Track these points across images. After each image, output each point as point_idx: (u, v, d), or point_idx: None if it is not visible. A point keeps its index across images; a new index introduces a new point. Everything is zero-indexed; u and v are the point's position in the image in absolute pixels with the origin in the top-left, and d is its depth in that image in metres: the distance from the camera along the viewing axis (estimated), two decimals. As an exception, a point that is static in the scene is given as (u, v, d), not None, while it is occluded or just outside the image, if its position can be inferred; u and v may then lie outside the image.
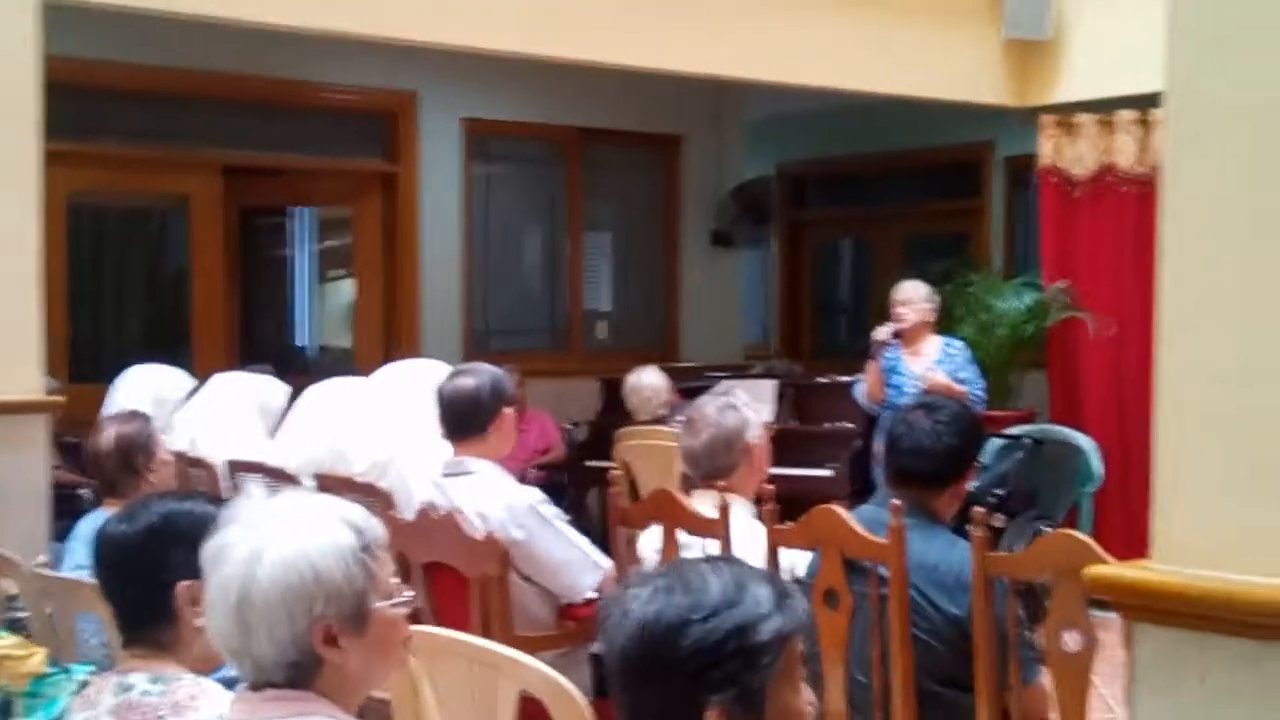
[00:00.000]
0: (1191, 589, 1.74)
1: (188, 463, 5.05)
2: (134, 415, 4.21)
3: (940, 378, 6.33)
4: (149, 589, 2.33)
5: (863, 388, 6.61)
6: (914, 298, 6.53)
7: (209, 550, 1.90)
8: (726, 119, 9.79)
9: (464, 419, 3.96)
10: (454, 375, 4.05)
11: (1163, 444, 1.82)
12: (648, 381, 7.30)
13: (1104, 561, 2.34)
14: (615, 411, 7.65)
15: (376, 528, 1.96)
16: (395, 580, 1.99)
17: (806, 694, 1.75)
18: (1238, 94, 1.80)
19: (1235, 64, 1.80)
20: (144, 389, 5.73)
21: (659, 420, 7.01)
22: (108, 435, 4.03)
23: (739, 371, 8.37)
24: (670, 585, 1.69)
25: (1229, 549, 1.74)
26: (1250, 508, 1.74)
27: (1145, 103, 6.87)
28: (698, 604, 1.67)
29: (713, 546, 3.45)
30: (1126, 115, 7.25)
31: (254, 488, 1.89)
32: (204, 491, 2.98)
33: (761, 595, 1.69)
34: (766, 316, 11.40)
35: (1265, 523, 1.73)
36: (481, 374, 4.01)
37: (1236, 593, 1.70)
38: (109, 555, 2.44)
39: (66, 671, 2.66)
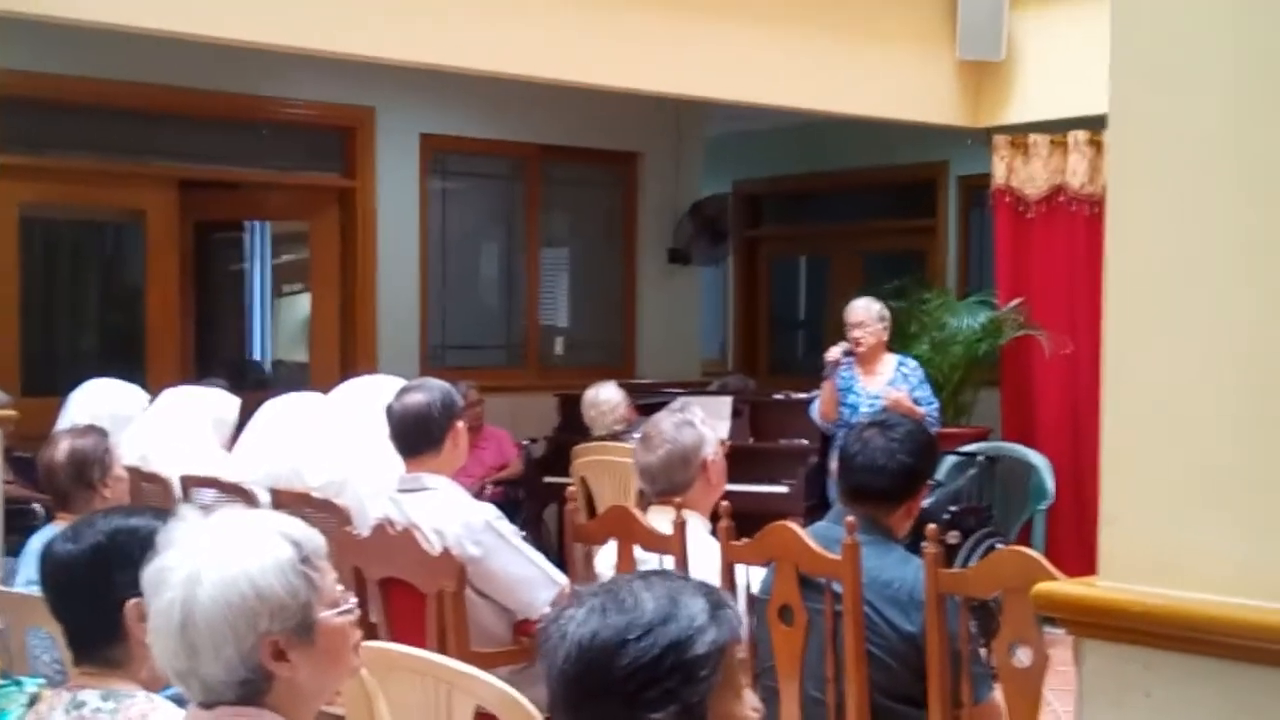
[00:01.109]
0: (1135, 605, 1.76)
1: (141, 478, 5.02)
2: (89, 429, 4.19)
3: (902, 397, 6.37)
4: (97, 607, 2.32)
5: (818, 407, 6.65)
6: (866, 319, 6.56)
7: (148, 575, 1.91)
8: (684, 137, 9.84)
9: (417, 435, 3.95)
10: (403, 392, 4.04)
11: (1107, 461, 1.85)
12: (605, 396, 7.32)
13: (1053, 578, 2.37)
14: (572, 428, 7.65)
15: (315, 538, 1.97)
16: (339, 588, 1.99)
17: (750, 700, 1.76)
18: (1179, 120, 1.84)
19: (1177, 89, 1.84)
20: (98, 404, 5.70)
21: (616, 436, 7.02)
22: (61, 449, 4.01)
23: (696, 388, 8.40)
24: (604, 605, 1.69)
25: (1173, 565, 1.77)
26: (1193, 524, 1.77)
27: (1097, 123, 6.95)
28: (632, 622, 1.66)
29: (669, 563, 3.47)
30: (1078, 135, 7.34)
31: (188, 509, 1.89)
32: (151, 506, 2.97)
33: (695, 608, 1.69)
34: (724, 333, 11.45)
35: (1207, 539, 1.76)
36: (431, 389, 4.01)
37: (1180, 609, 1.73)
38: (56, 575, 2.43)
39: (18, 684, 2.65)
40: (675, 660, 1.65)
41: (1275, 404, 1.74)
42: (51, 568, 2.44)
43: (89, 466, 3.97)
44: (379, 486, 4.21)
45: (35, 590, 3.61)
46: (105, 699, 2.28)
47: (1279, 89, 1.77)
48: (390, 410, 4.00)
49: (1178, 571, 1.76)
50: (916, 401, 6.41)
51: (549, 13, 6.36)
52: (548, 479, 7.59)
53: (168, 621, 1.87)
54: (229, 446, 5.47)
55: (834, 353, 6.53)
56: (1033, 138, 7.52)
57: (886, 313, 6.67)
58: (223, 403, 5.65)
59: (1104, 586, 1.82)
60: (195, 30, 5.69)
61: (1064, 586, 1.90)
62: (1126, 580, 1.80)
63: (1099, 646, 1.82)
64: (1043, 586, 1.90)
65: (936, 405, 6.59)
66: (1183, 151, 1.82)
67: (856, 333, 6.53)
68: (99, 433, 4.15)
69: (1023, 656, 2.91)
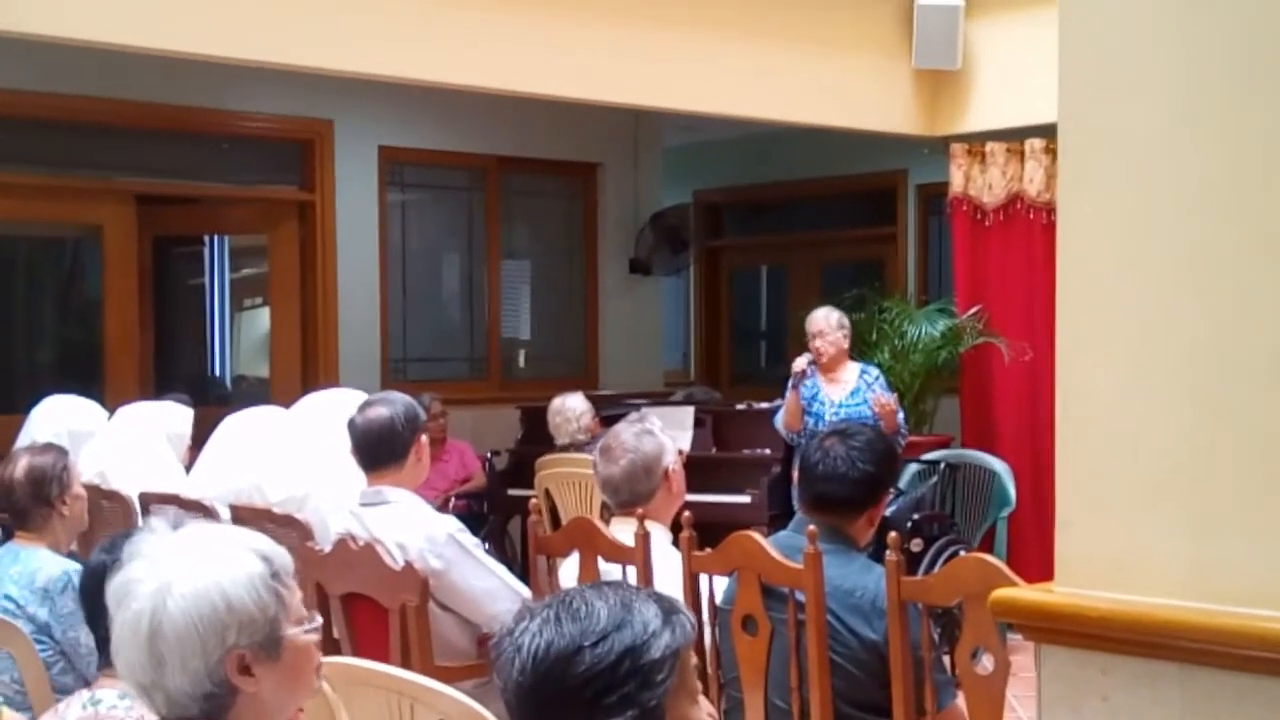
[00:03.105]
0: (1091, 611, 1.78)
1: (100, 495, 4.99)
2: (47, 447, 4.16)
3: (890, 402, 6.40)
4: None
5: (782, 417, 6.66)
6: (826, 329, 6.58)
7: (113, 588, 1.90)
8: (644, 147, 9.85)
9: (380, 449, 3.93)
10: (365, 406, 4.02)
11: (1061, 468, 1.87)
12: (572, 405, 7.32)
13: (1013, 584, 2.39)
14: (535, 439, 7.65)
15: (284, 555, 1.98)
16: (304, 607, 2.00)
17: (704, 705, 1.78)
18: (1127, 128, 1.86)
19: (1123, 99, 1.87)
20: (57, 420, 5.66)
21: (579, 446, 7.02)
22: (19, 467, 3.98)
23: (659, 398, 8.41)
24: (558, 614, 1.70)
25: (1128, 570, 1.79)
26: (1146, 530, 1.80)
27: (1053, 131, 6.95)
28: (587, 630, 1.68)
29: (632, 574, 3.48)
30: (1035, 144, 7.39)
31: (155, 522, 1.98)
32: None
33: (649, 614, 1.71)
34: (686, 343, 11.47)
35: (1161, 544, 1.78)
36: (394, 402, 3.99)
37: (1135, 613, 1.75)
38: (87, 583, 2.72)
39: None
40: (632, 665, 1.66)
41: (1225, 409, 1.76)
42: (85, 577, 2.77)
43: (47, 484, 3.95)
44: (340, 501, 4.20)
45: (-6, 611, 3.60)
46: (122, 697, 2.35)
47: (1226, 97, 1.80)
48: (353, 424, 3.98)
49: (1133, 576, 1.78)
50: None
51: (506, 25, 6.36)
52: (511, 491, 7.58)
53: (135, 633, 1.86)
54: (187, 460, 5.45)
55: (800, 363, 6.55)
56: (990, 146, 7.57)
57: (846, 321, 6.69)
58: (176, 416, 5.62)
59: (1061, 592, 1.84)
60: (152, 44, 5.67)
61: (1021, 593, 1.92)
62: (1083, 586, 1.82)
63: (1057, 652, 1.84)
64: (1001, 593, 1.92)
65: (902, 414, 6.62)
66: (1131, 160, 1.85)
67: (817, 342, 6.56)
68: (58, 450, 4.12)
69: (986, 663, 2.93)
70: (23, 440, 5.27)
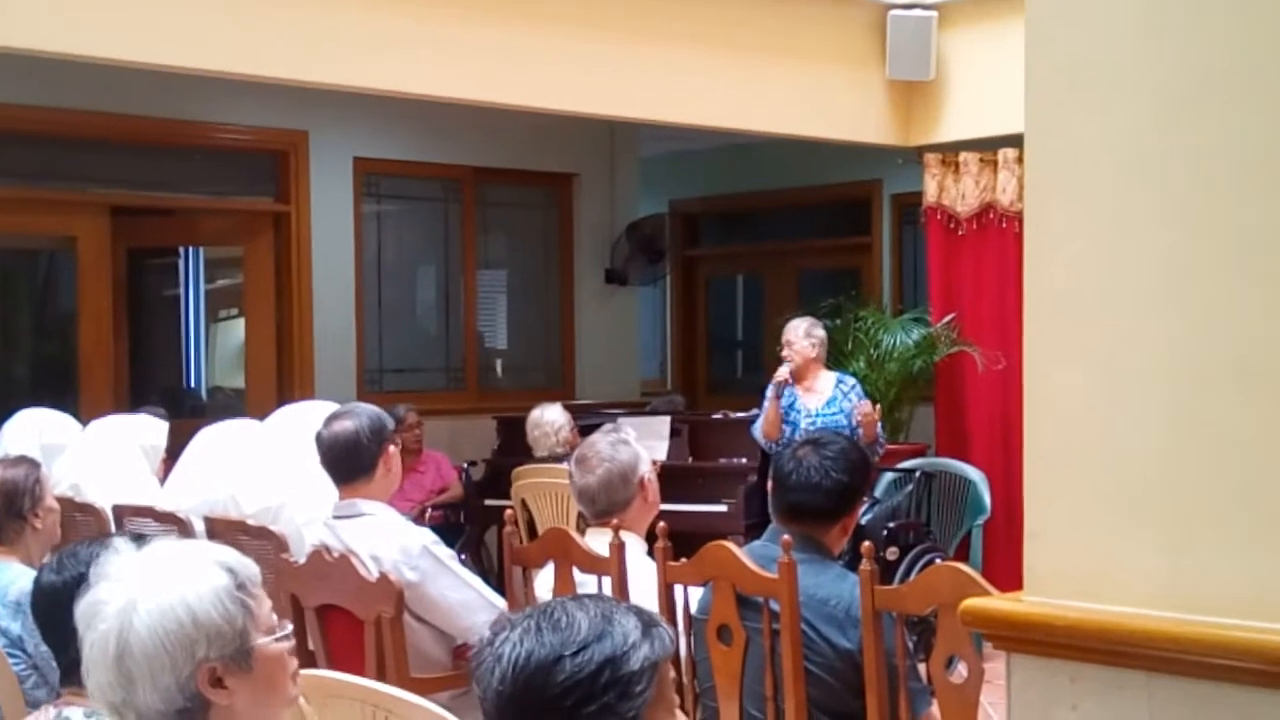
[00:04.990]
0: (1060, 620, 1.79)
1: (73, 508, 4.97)
2: (20, 460, 4.14)
3: (867, 406, 6.41)
4: (79, 635, 2.39)
5: (761, 426, 6.67)
6: (793, 339, 6.60)
7: (80, 610, 1.91)
8: (619, 157, 9.87)
9: (347, 463, 3.92)
10: (331, 419, 3.99)
11: (1030, 478, 1.88)
12: (550, 418, 7.31)
13: (987, 593, 2.41)
14: (512, 450, 7.64)
15: (250, 566, 1.99)
16: (274, 616, 2.00)
17: (680, 718, 1.79)
18: (1093, 140, 1.88)
19: (1091, 110, 1.88)
20: (30, 433, 5.64)
21: (557, 458, 7.01)
22: (-9, 480, 3.96)
23: (636, 408, 8.42)
24: (538, 624, 1.72)
25: (1095, 580, 1.80)
26: (1114, 539, 1.81)
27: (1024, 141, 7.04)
28: (567, 640, 1.69)
29: (608, 584, 3.48)
30: (1007, 153, 7.43)
31: (119, 542, 2.01)
32: (131, 534, 3.15)
33: (628, 625, 1.72)
34: (662, 353, 11.47)
35: (1128, 554, 1.79)
36: (359, 415, 3.97)
37: (1104, 623, 1.76)
38: (41, 603, 2.67)
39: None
40: (611, 675, 1.68)
41: (1194, 420, 1.78)
42: (37, 597, 2.68)
43: (19, 497, 3.92)
44: (315, 513, 4.19)
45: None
46: (88, 716, 2.33)
47: (1195, 108, 1.81)
48: (320, 438, 3.96)
49: (1101, 586, 1.79)
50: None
51: (480, 36, 6.37)
52: (488, 502, 7.56)
53: (103, 654, 1.87)
54: (162, 473, 5.43)
55: (782, 373, 6.55)
56: (963, 156, 7.61)
57: (819, 332, 6.68)
58: (151, 429, 5.60)
59: (1030, 602, 1.85)
60: (126, 56, 5.65)
61: (991, 602, 1.93)
62: (1052, 595, 1.83)
63: (1026, 661, 1.86)
64: (971, 602, 1.93)
65: (879, 423, 6.64)
66: (1099, 171, 1.86)
67: (785, 351, 6.59)
68: (30, 463, 4.10)
69: (961, 671, 2.94)
70: (-4, 454, 5.24)
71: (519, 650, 1.69)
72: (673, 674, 1.79)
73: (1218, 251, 1.78)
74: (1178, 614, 1.72)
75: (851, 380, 6.73)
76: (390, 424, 4.04)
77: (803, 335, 6.59)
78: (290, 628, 2.04)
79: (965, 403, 7.60)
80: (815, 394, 6.59)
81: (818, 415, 6.50)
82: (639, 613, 1.76)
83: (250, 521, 4.56)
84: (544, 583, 3.77)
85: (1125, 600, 1.76)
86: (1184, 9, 1.83)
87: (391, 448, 3.97)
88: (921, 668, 3.30)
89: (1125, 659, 1.75)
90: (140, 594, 1.88)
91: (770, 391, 6.56)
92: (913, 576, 5.15)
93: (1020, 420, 6.06)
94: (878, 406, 6.56)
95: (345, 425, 3.92)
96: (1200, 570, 1.73)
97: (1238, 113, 1.78)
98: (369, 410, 4.01)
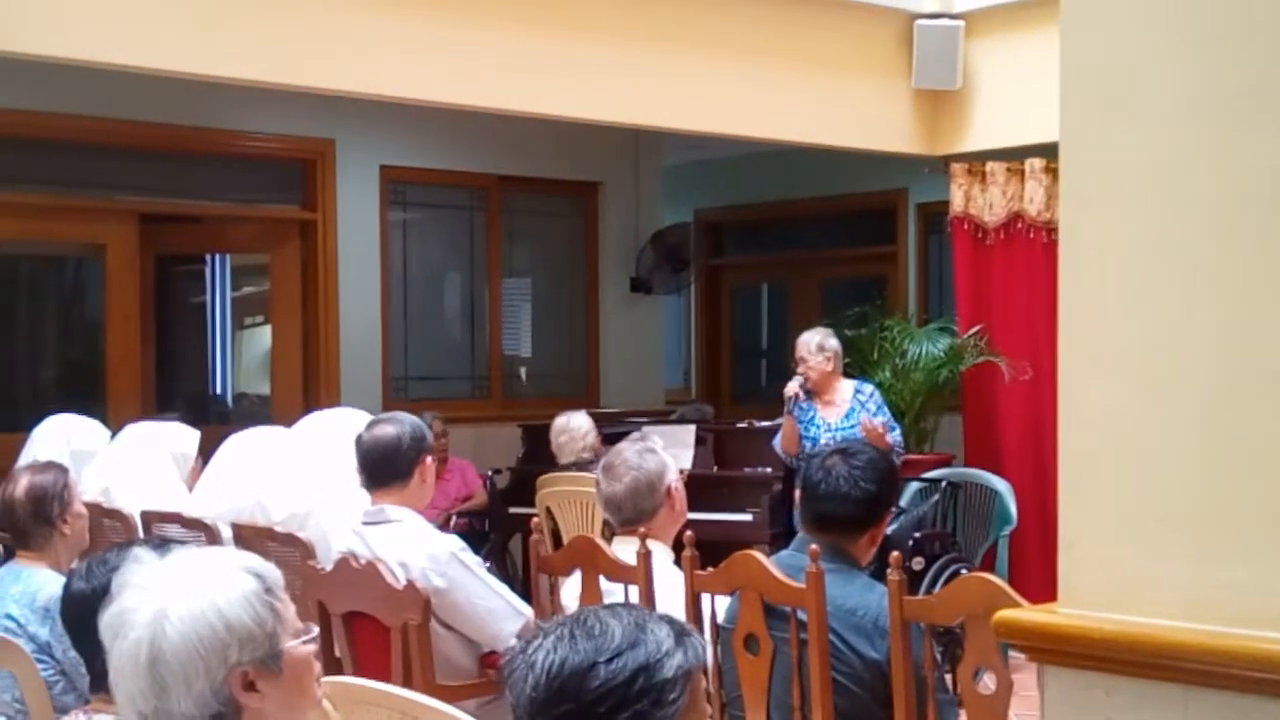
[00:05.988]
0: (1096, 632, 1.78)
1: (102, 513, 4.99)
2: (48, 465, 4.15)
3: (877, 425, 6.38)
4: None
5: (780, 441, 6.66)
6: (807, 355, 6.55)
7: (106, 621, 1.91)
8: (644, 166, 9.87)
9: (385, 468, 3.94)
10: (373, 424, 4.04)
11: (1065, 489, 1.87)
12: (576, 424, 7.31)
13: (1016, 604, 2.39)
14: (537, 458, 7.65)
15: (274, 570, 2.00)
16: (298, 619, 2.02)
17: None
18: (1129, 149, 1.87)
19: (1126, 119, 1.87)
20: (61, 439, 5.67)
21: (582, 465, 7.01)
22: (20, 486, 3.98)
23: (661, 417, 8.41)
24: (572, 632, 1.72)
25: (1131, 592, 1.79)
26: (1149, 551, 1.79)
27: (1053, 151, 6.97)
28: (601, 647, 1.69)
29: (634, 593, 3.48)
30: (1035, 163, 7.41)
31: (140, 551, 2.03)
32: (157, 540, 3.18)
33: (661, 634, 1.72)
34: (686, 362, 11.47)
35: (1164, 565, 1.78)
36: (402, 422, 4.01)
37: (1140, 635, 1.75)
38: (70, 612, 2.67)
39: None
40: (645, 683, 1.68)
41: (1229, 430, 1.76)
42: (67, 605, 2.69)
43: (48, 503, 3.94)
44: (342, 520, 4.20)
45: (-4, 631, 3.59)
46: None
47: (1230, 117, 1.80)
48: (360, 441, 3.99)
49: (1137, 597, 1.78)
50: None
51: (507, 44, 6.38)
52: (512, 509, 7.58)
53: (134, 663, 1.87)
54: (191, 480, 5.44)
55: (792, 387, 6.53)
56: (990, 165, 7.58)
57: (831, 343, 6.62)
58: (182, 437, 5.62)
59: (1065, 614, 1.83)
60: (155, 64, 5.69)
61: (1025, 614, 1.92)
62: (1087, 607, 1.81)
63: (1061, 673, 1.84)
64: (1004, 614, 1.92)
65: (898, 428, 6.62)
66: (1134, 180, 1.85)
67: (801, 368, 6.56)
68: (58, 469, 4.12)
69: (988, 682, 2.93)
70: (24, 459, 5.27)
71: (553, 657, 1.69)
72: (705, 684, 1.79)
73: (1252, 261, 1.77)
74: (1216, 626, 1.70)
75: (870, 388, 6.70)
76: (431, 437, 4.07)
77: (815, 350, 6.54)
78: (315, 630, 2.05)
79: (993, 413, 7.57)
80: (834, 407, 6.57)
81: (837, 429, 6.48)
82: (671, 622, 1.76)
83: (278, 528, 4.58)
84: (570, 591, 3.77)
85: (1162, 612, 1.75)
86: (1218, 18, 1.82)
87: (429, 459, 3.99)
88: (946, 678, 3.28)
89: (1162, 672, 1.74)
90: (170, 601, 1.88)
91: (785, 406, 6.55)
92: (938, 587, 5.15)
93: (1051, 431, 6.04)
94: (884, 419, 6.50)
95: (387, 430, 3.95)
96: (1238, 582, 1.72)
97: (1273, 122, 1.77)
98: (412, 419, 4.06)
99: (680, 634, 1.74)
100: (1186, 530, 1.77)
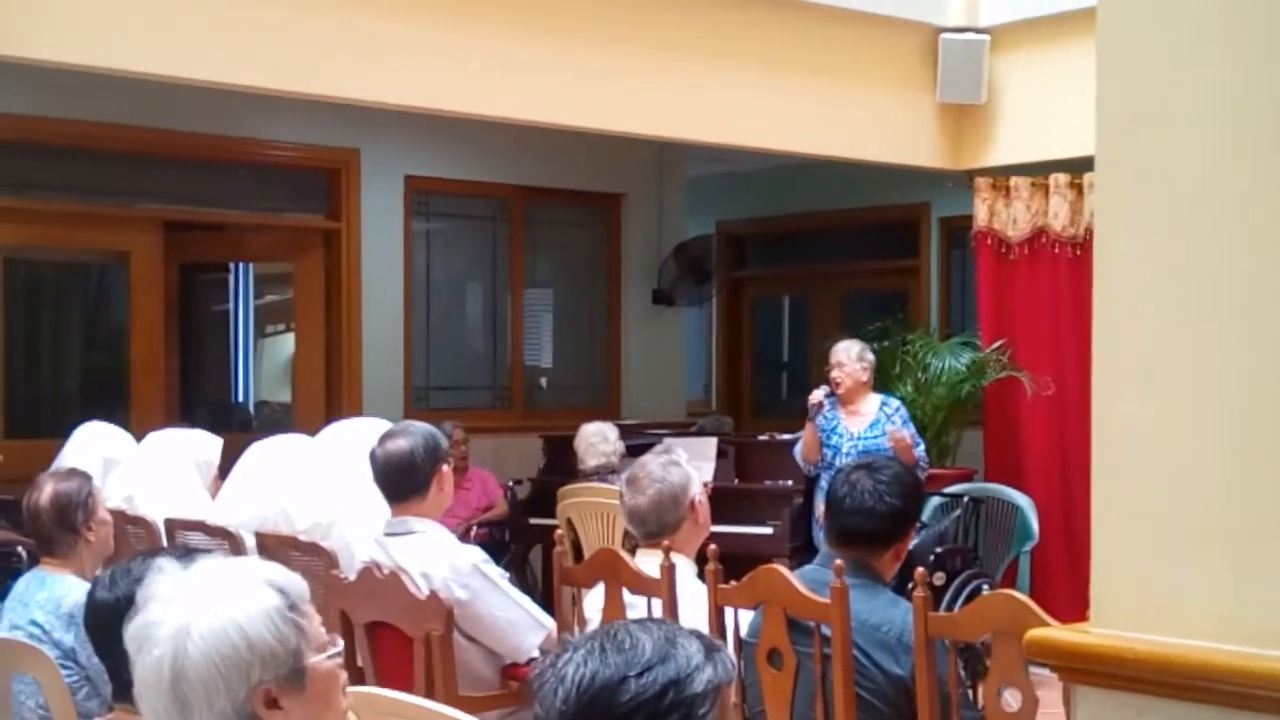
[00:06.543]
0: (1128, 652, 1.77)
1: (126, 520, 5.00)
2: (73, 473, 4.16)
3: (904, 434, 6.38)
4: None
5: (800, 449, 6.65)
6: (844, 360, 6.56)
7: (131, 633, 1.90)
8: (667, 178, 9.88)
9: (401, 481, 3.92)
10: (386, 438, 3.99)
11: (1098, 508, 1.86)
12: (608, 433, 7.33)
13: (1043, 622, 2.38)
14: (558, 469, 7.65)
15: (299, 583, 1.98)
16: (323, 632, 2.00)
17: None
18: (1166, 165, 1.86)
19: (1163, 135, 1.86)
20: (93, 446, 5.69)
21: (603, 475, 7.01)
22: (45, 493, 3.98)
23: (682, 429, 8.40)
24: (602, 645, 1.71)
25: (1165, 612, 1.77)
26: (1184, 571, 1.78)
27: (1077, 166, 7.00)
28: (632, 661, 1.69)
29: (658, 606, 3.47)
30: (1059, 178, 7.38)
31: (164, 561, 2.03)
32: (180, 549, 3.17)
33: (692, 648, 1.72)
34: (708, 374, 11.46)
35: (1199, 585, 1.76)
36: (414, 434, 3.97)
37: (1173, 655, 1.74)
38: (95, 621, 2.66)
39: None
40: (675, 697, 1.67)
41: (1267, 447, 1.75)
42: (91, 614, 2.69)
43: (72, 510, 3.95)
44: (366, 530, 4.20)
45: (19, 636, 3.60)
46: None
47: (1268, 131, 1.78)
48: (374, 456, 3.97)
49: (1171, 618, 1.76)
50: (902, 440, 6.42)
51: (532, 56, 6.39)
52: (533, 520, 7.57)
53: (158, 679, 1.86)
54: (213, 488, 5.46)
55: (816, 395, 6.54)
56: (1014, 180, 7.56)
57: (869, 355, 6.67)
58: (206, 444, 5.64)
59: (1098, 633, 1.82)
60: (180, 73, 5.71)
61: (1057, 633, 1.91)
62: (1119, 627, 1.80)
63: (1092, 693, 1.83)
64: (1036, 633, 1.91)
65: (923, 445, 6.61)
66: (1171, 196, 1.84)
67: (835, 373, 6.56)
68: (82, 476, 4.12)
69: (1011, 699, 2.91)
70: (59, 466, 5.29)
71: (583, 670, 1.69)
72: (735, 700, 1.78)
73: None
74: (1251, 648, 1.69)
75: (896, 402, 6.70)
76: (444, 443, 4.04)
77: (855, 358, 6.56)
78: (340, 643, 2.04)
79: (1017, 428, 7.53)
80: (860, 417, 6.57)
81: (860, 439, 6.47)
82: (701, 636, 1.76)
83: (301, 537, 4.58)
84: (593, 603, 3.76)
85: (1195, 633, 1.74)
86: (1257, 31, 1.80)
87: (445, 467, 3.97)
88: (968, 694, 3.26)
89: (1195, 693, 1.72)
90: (193, 618, 1.87)
91: (808, 414, 6.55)
92: (959, 603, 5.12)
93: (1074, 446, 6.00)
94: (912, 431, 6.50)
95: (400, 444, 3.92)
96: (1273, 603, 1.71)
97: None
98: (423, 429, 4.01)
99: (710, 649, 1.73)
100: (1221, 549, 1.75)
